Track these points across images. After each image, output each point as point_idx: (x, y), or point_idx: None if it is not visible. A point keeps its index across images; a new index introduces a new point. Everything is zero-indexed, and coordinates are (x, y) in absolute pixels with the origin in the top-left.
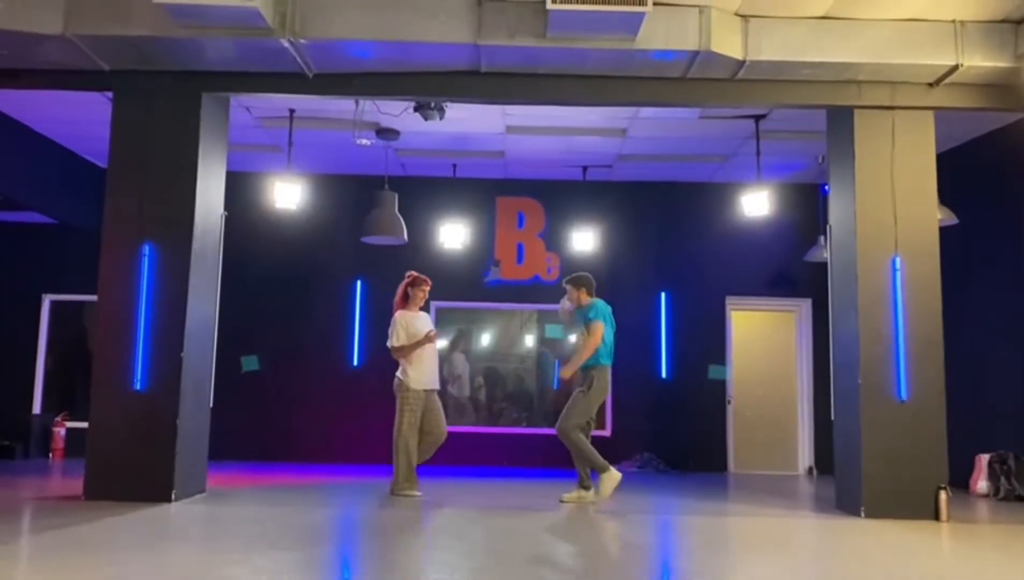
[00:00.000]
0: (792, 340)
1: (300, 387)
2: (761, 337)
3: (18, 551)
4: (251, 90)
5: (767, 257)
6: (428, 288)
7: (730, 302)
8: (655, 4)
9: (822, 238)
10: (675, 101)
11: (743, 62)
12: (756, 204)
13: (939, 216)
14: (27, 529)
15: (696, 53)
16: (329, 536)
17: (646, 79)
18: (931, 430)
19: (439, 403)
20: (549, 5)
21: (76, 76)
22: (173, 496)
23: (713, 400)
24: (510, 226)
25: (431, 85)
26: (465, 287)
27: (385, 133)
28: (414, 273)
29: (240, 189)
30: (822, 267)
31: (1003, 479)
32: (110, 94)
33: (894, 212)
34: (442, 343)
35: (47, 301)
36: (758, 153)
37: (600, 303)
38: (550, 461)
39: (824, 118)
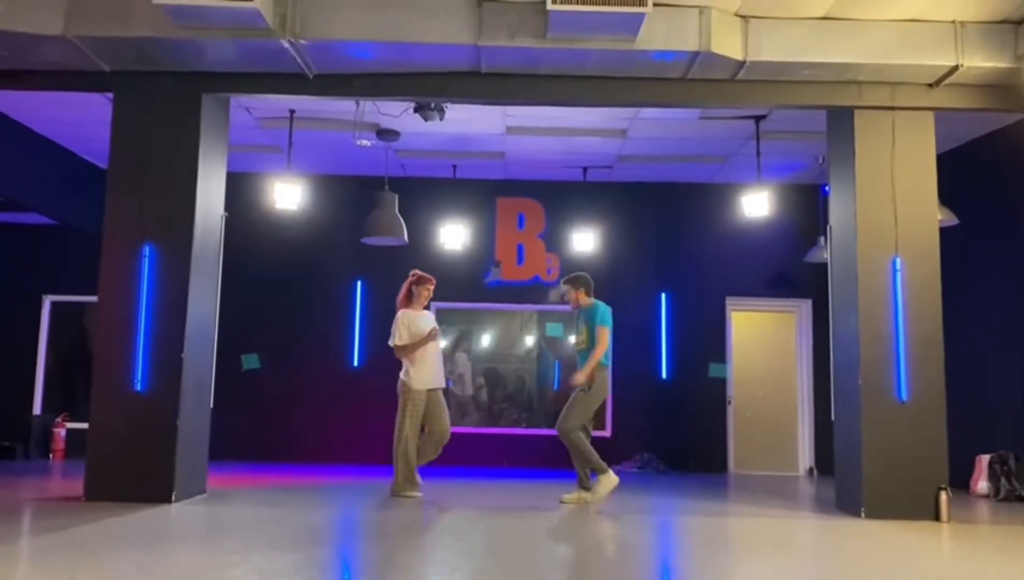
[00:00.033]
0: (792, 341)
1: (300, 388)
2: (761, 338)
3: (18, 552)
4: (251, 91)
5: (767, 258)
6: (432, 287)
7: (730, 303)
8: (655, 5)
9: (822, 239)
10: (675, 102)
11: (743, 63)
12: (756, 205)
13: (939, 217)
14: (27, 530)
15: (696, 54)
16: (329, 537)
17: (646, 80)
18: (931, 431)
19: (443, 401)
20: (549, 6)
21: (76, 77)
22: (173, 497)
23: (713, 401)
24: (510, 227)
25: (431, 86)
26: (465, 288)
27: (385, 134)
28: (418, 272)
29: (240, 190)
30: (822, 268)
31: (1003, 480)
32: (110, 95)
33: (894, 213)
34: (444, 343)
35: (47, 302)
36: (758, 154)
37: (603, 307)
38: (550, 462)
39: (824, 119)
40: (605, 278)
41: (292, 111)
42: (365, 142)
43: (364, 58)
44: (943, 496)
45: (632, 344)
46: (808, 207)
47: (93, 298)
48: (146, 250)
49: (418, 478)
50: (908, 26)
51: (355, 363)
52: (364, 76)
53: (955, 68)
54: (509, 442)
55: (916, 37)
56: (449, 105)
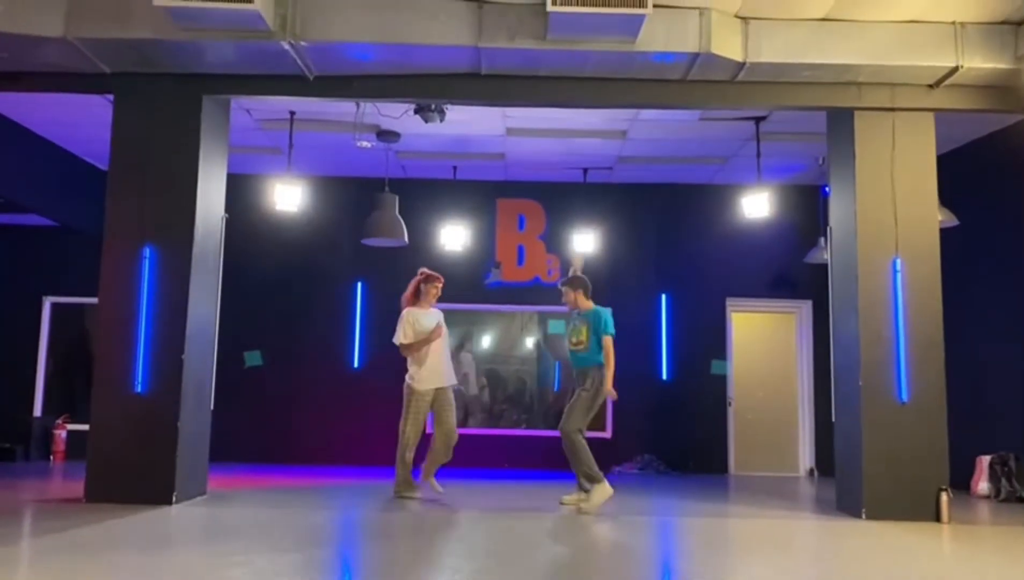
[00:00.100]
0: (792, 342)
1: (301, 389)
2: (761, 339)
3: (19, 553)
4: (251, 92)
5: (767, 259)
6: (441, 285)
7: (730, 304)
8: (655, 6)
9: (822, 240)
10: (675, 103)
11: (743, 64)
12: (756, 206)
13: (939, 217)
14: (28, 531)
15: (696, 55)
16: (330, 538)
17: (646, 81)
18: (932, 431)
19: (451, 400)
20: (549, 7)
21: (77, 79)
22: (174, 498)
23: (714, 401)
24: (511, 228)
25: (431, 87)
26: (466, 289)
27: (386, 135)
28: (427, 270)
29: (241, 191)
30: (822, 269)
31: (1004, 480)
32: (111, 97)
33: (894, 213)
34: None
35: (48, 303)
36: (758, 155)
37: (605, 313)
38: (550, 463)
39: (824, 120)
40: (605, 279)
41: (292, 113)
42: (365, 144)
43: (364, 59)
44: (944, 497)
45: (632, 345)
46: (808, 208)
47: (93, 300)
48: (146, 252)
49: (414, 481)
50: (908, 27)
51: (355, 364)
52: (364, 77)
53: (955, 69)
54: (509, 443)
55: (916, 38)
56: (449, 107)
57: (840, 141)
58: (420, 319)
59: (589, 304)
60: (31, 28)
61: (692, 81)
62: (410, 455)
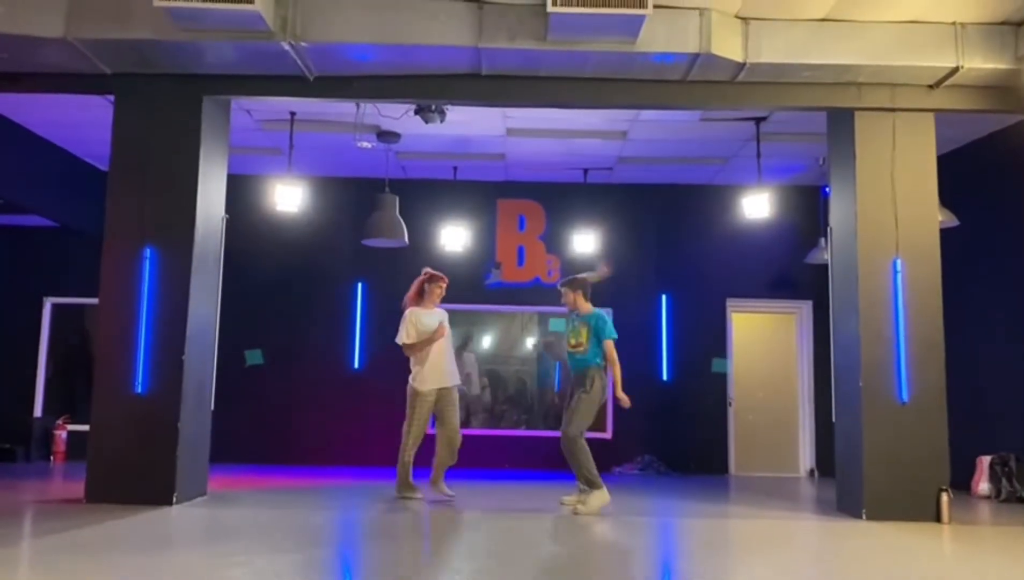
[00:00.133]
0: (793, 342)
1: (301, 390)
2: (762, 339)
3: (19, 554)
4: (252, 93)
5: (768, 259)
6: (445, 285)
7: (731, 304)
8: (655, 7)
9: (823, 240)
10: (676, 103)
11: (743, 64)
12: (757, 206)
13: (940, 218)
14: (28, 532)
15: (696, 55)
16: (331, 538)
17: (646, 82)
18: (932, 432)
19: (454, 400)
20: (549, 8)
21: (77, 79)
22: (174, 499)
23: (714, 402)
24: (511, 228)
25: (432, 88)
26: (466, 289)
27: (386, 136)
28: (431, 270)
29: (241, 192)
30: (823, 269)
31: (1004, 481)
32: (111, 97)
33: (895, 214)
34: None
35: (48, 304)
36: (759, 155)
37: (605, 316)
38: (550, 463)
39: (824, 120)
40: (606, 280)
41: (293, 113)
42: (366, 144)
43: (364, 60)
44: (944, 497)
45: (633, 346)
46: (808, 208)
47: (94, 300)
48: (147, 252)
49: (414, 482)
50: (908, 27)
51: (356, 365)
52: (364, 78)
53: (955, 69)
54: (510, 443)
55: (916, 38)
56: (449, 107)
57: (840, 141)
58: (422, 319)
59: (589, 306)
60: (31, 29)
61: (692, 82)
62: (410, 456)
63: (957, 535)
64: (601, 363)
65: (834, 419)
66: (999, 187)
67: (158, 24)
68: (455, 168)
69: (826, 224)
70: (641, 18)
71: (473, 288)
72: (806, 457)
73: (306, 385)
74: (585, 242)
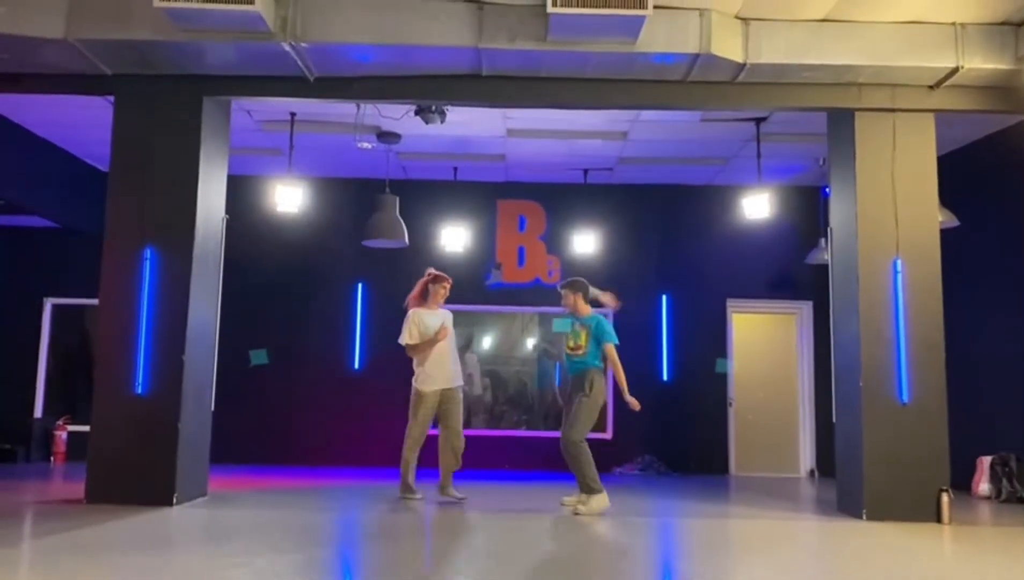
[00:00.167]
0: (793, 342)
1: (301, 390)
2: (762, 339)
3: (20, 554)
4: (252, 93)
5: (768, 259)
6: (449, 286)
7: (731, 304)
8: (655, 7)
9: (823, 240)
10: (676, 104)
11: (744, 65)
12: (757, 207)
13: (940, 218)
14: (28, 533)
15: (697, 56)
16: (331, 539)
17: (647, 82)
18: (932, 432)
19: (458, 400)
20: (550, 8)
21: (78, 80)
22: (175, 499)
23: (714, 402)
24: (511, 229)
25: (432, 88)
26: (466, 290)
27: (386, 136)
28: (434, 270)
29: (241, 192)
30: (823, 269)
31: (1005, 481)
32: (111, 98)
33: (895, 214)
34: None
35: (48, 305)
36: (759, 156)
37: (605, 321)
38: (551, 464)
39: (825, 120)
40: (606, 280)
41: (293, 114)
42: (366, 145)
43: (365, 60)
44: (944, 498)
45: (633, 346)
46: (809, 209)
47: (94, 301)
48: (147, 253)
49: (415, 483)
50: (908, 28)
51: (356, 366)
52: (365, 79)
53: (955, 70)
54: (510, 444)
55: (916, 39)
56: (450, 108)
57: (841, 142)
58: (425, 320)
59: (588, 309)
60: (32, 30)
61: (692, 82)
62: (410, 456)
63: (957, 535)
64: (600, 365)
65: (834, 419)
66: (999, 187)
67: (158, 25)
68: (455, 169)
69: (826, 224)
70: (641, 19)
71: (473, 289)
72: (806, 457)
73: (306, 385)
74: (585, 242)
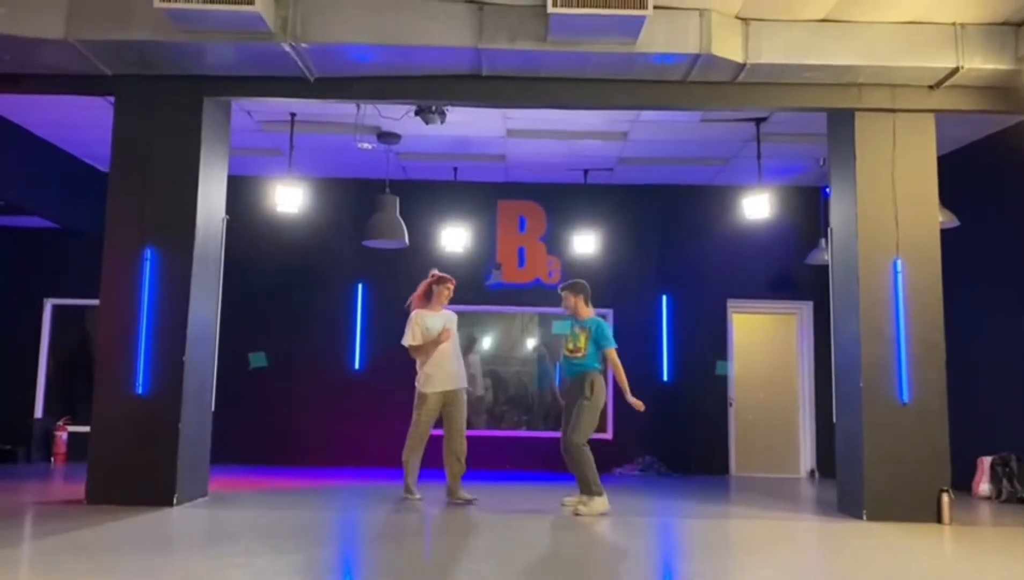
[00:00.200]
0: (793, 343)
1: (301, 391)
2: (762, 340)
3: (20, 555)
4: (252, 94)
5: (768, 260)
6: (453, 287)
7: (731, 305)
8: (655, 8)
9: (823, 241)
10: (676, 104)
11: (744, 65)
12: (757, 207)
13: (940, 218)
14: (29, 533)
15: (697, 56)
16: (331, 539)
17: (647, 82)
18: (933, 432)
19: (460, 402)
20: (550, 9)
21: (78, 80)
22: (175, 500)
23: (715, 403)
24: (511, 229)
25: (432, 88)
26: (466, 290)
27: (386, 137)
28: (438, 271)
29: (241, 193)
30: (823, 270)
31: (1005, 481)
32: (111, 98)
33: (895, 214)
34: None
35: (49, 305)
36: (759, 156)
37: (604, 324)
38: (551, 464)
39: (825, 121)
40: (606, 280)
41: (293, 114)
42: (366, 145)
43: (365, 61)
44: (945, 498)
45: (633, 346)
46: (809, 209)
47: (94, 301)
48: (147, 253)
49: (413, 485)
50: (908, 28)
51: (356, 366)
52: (365, 79)
53: (955, 70)
54: (510, 444)
55: (916, 39)
56: (450, 108)
57: (841, 142)
58: (427, 321)
59: (589, 312)
60: (32, 30)
61: (693, 82)
62: (410, 457)
63: (958, 536)
64: (599, 367)
65: (835, 420)
66: (999, 187)
67: (158, 25)
68: (455, 169)
69: (826, 225)
70: (641, 19)
71: (474, 289)
72: (807, 458)
73: (306, 386)
74: (586, 243)
